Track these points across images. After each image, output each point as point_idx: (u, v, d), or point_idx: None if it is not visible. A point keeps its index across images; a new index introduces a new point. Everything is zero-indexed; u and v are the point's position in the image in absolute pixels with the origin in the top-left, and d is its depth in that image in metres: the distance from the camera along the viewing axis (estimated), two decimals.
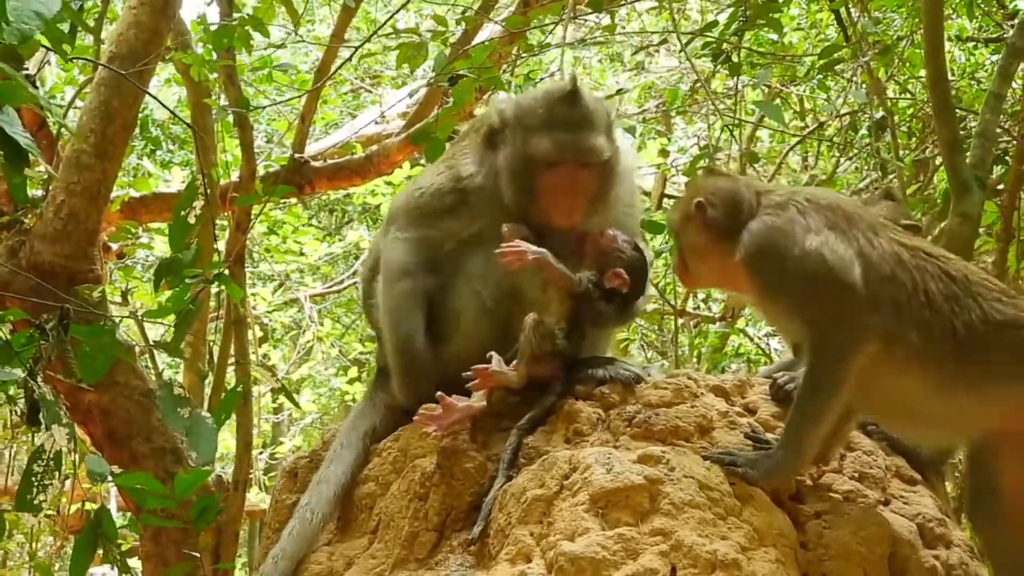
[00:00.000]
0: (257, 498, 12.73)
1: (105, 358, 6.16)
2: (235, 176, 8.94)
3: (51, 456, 6.42)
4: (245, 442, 7.80)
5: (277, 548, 4.37)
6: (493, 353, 4.33)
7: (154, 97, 8.28)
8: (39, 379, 6.42)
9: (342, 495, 4.49)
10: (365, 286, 4.94)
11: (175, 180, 12.25)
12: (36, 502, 6.46)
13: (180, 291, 6.73)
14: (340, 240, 14.73)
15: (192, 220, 7.51)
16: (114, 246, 11.34)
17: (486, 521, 4.07)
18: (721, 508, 3.89)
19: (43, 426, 6.47)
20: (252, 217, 8.88)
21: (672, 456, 3.96)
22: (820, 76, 9.03)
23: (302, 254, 13.75)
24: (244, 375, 7.62)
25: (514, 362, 4.33)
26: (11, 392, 6.64)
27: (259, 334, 13.89)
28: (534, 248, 4.38)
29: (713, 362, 10.24)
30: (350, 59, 10.50)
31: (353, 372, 14.80)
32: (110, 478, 6.39)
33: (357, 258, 14.22)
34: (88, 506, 7.07)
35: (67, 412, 7.67)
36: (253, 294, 12.78)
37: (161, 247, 12.01)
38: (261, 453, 14.33)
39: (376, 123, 11.85)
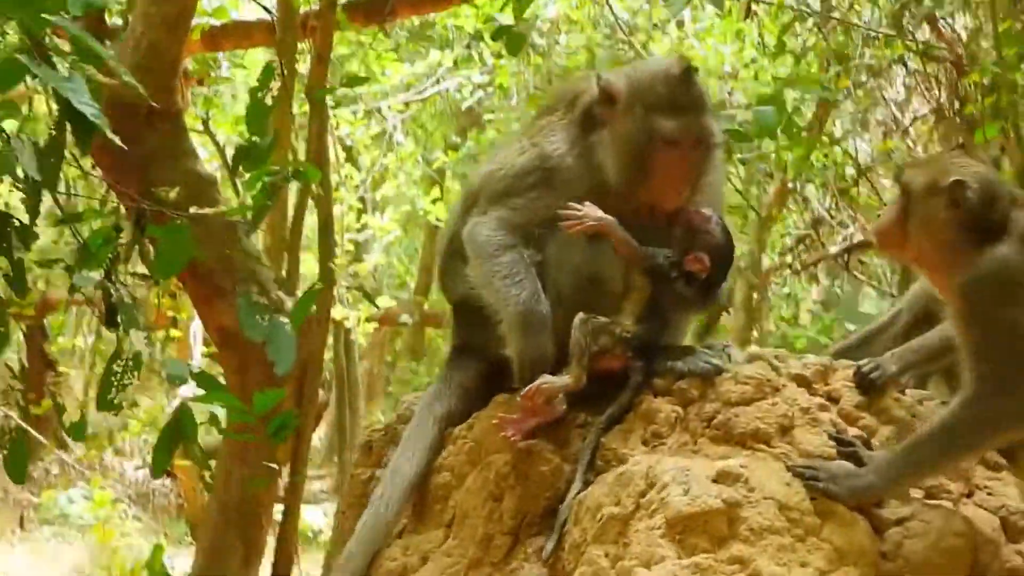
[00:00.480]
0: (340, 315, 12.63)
1: (181, 256, 6.10)
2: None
3: (130, 357, 6.46)
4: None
5: (352, 544, 4.33)
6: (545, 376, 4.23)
7: None
8: (116, 281, 6.44)
9: (417, 484, 4.42)
10: (444, 262, 4.79)
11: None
12: (115, 402, 6.54)
13: (260, 194, 6.64)
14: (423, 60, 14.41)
15: (269, 102, 7.38)
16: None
17: (561, 533, 4.02)
18: (801, 529, 3.81)
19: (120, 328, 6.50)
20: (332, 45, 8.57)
21: (751, 473, 3.86)
22: None
23: (384, 75, 13.52)
24: (326, 276, 7.54)
25: (566, 369, 4.24)
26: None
27: (341, 155, 13.77)
28: (599, 213, 4.28)
29: None
30: None
31: (435, 192, 14.70)
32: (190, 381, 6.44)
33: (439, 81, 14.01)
34: None
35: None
36: (334, 115, 12.59)
37: (241, 80, 11.86)
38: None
39: None
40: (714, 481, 3.85)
